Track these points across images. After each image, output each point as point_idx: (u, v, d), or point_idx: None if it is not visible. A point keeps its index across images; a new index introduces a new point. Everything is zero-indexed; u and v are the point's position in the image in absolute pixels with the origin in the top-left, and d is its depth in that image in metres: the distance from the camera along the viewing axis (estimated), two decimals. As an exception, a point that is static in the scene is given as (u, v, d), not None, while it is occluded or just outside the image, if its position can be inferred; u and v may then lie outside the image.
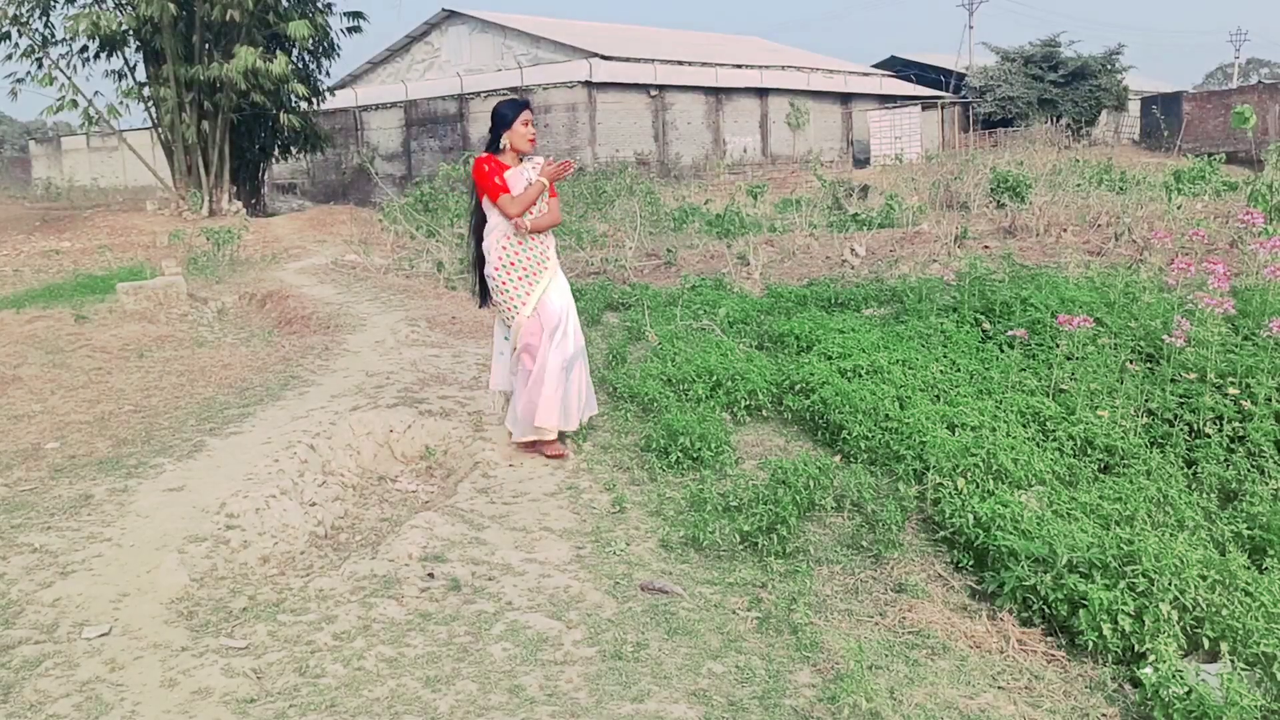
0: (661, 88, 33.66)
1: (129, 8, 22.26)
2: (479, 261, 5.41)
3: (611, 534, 4.38)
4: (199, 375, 7.41)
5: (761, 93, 37.47)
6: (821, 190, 19.66)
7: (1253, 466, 4.57)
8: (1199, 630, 3.27)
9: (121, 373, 7.58)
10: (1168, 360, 5.46)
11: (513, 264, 5.24)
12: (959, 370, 6.05)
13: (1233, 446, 4.75)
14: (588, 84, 31.48)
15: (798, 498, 4.32)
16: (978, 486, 4.39)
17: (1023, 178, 15.59)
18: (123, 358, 8.13)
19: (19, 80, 23.12)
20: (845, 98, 41.58)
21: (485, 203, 5.28)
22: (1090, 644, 3.29)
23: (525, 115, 5.24)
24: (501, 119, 5.24)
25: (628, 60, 33.51)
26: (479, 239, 5.38)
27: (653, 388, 6.06)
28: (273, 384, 6.97)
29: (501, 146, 5.27)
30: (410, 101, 35.38)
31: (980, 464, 4.53)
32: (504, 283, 5.26)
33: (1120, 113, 45.07)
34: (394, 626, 3.57)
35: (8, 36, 22.67)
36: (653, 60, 34.35)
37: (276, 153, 27.35)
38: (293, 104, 24.83)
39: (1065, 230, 11.89)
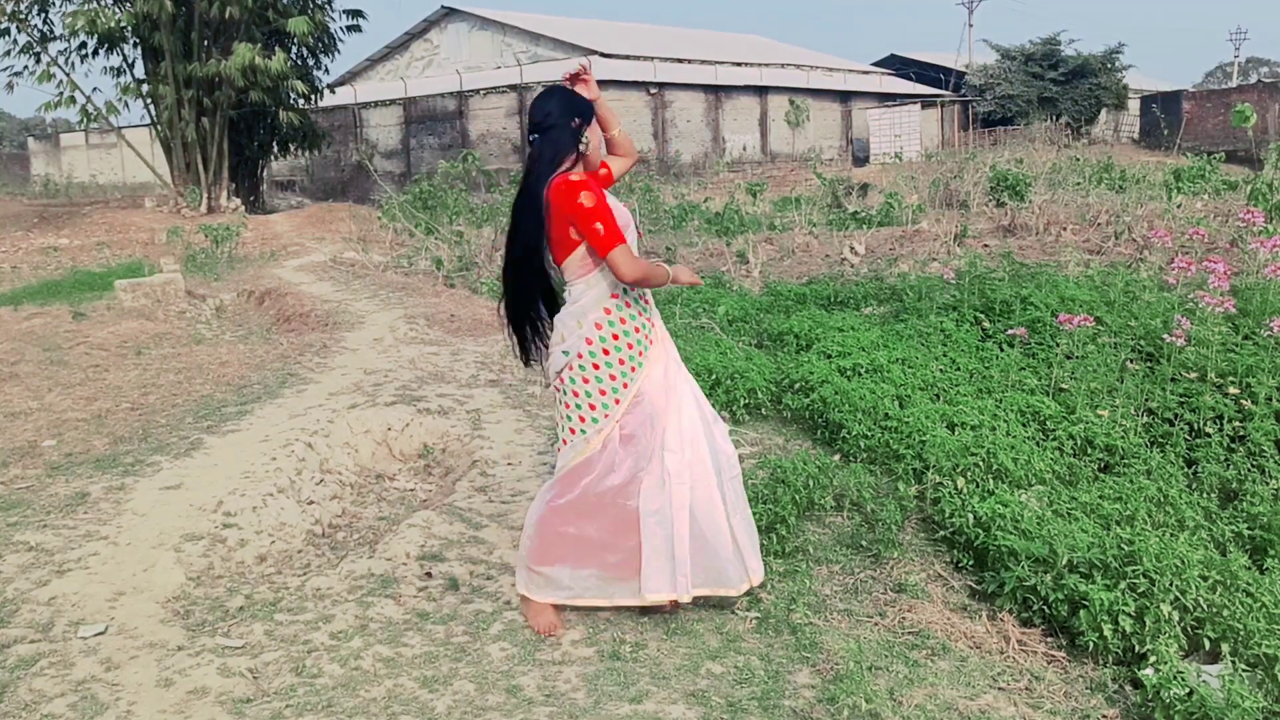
0: (661, 85, 33.61)
1: (127, 4, 22.24)
2: (524, 318, 3.53)
3: (610, 533, 4.35)
4: (197, 373, 7.38)
5: (761, 91, 37.43)
6: (821, 188, 19.64)
7: (1253, 466, 4.55)
8: (1200, 631, 3.26)
9: (119, 370, 7.56)
10: (1168, 359, 5.45)
11: (616, 335, 3.43)
12: (959, 369, 6.04)
13: (1233, 446, 4.73)
14: (587, 81, 31.42)
15: (797, 497, 4.30)
16: (977, 486, 4.38)
17: (1022, 176, 15.56)
18: (120, 355, 8.11)
19: (16, 75, 23.12)
20: (845, 96, 41.54)
21: (583, 251, 3.36)
22: (1091, 645, 3.28)
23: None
24: (582, 110, 3.45)
25: (627, 58, 33.48)
26: (544, 292, 3.52)
27: (652, 386, 6.03)
28: (271, 382, 6.95)
29: (582, 149, 3.42)
30: (409, 99, 35.31)
31: (980, 463, 4.52)
32: (599, 365, 3.43)
33: (1120, 111, 45.08)
34: (391, 626, 3.56)
35: (6, 33, 22.63)
36: (652, 58, 34.33)
37: (275, 150, 27.33)
38: (292, 101, 24.81)
39: (1065, 229, 11.87)
